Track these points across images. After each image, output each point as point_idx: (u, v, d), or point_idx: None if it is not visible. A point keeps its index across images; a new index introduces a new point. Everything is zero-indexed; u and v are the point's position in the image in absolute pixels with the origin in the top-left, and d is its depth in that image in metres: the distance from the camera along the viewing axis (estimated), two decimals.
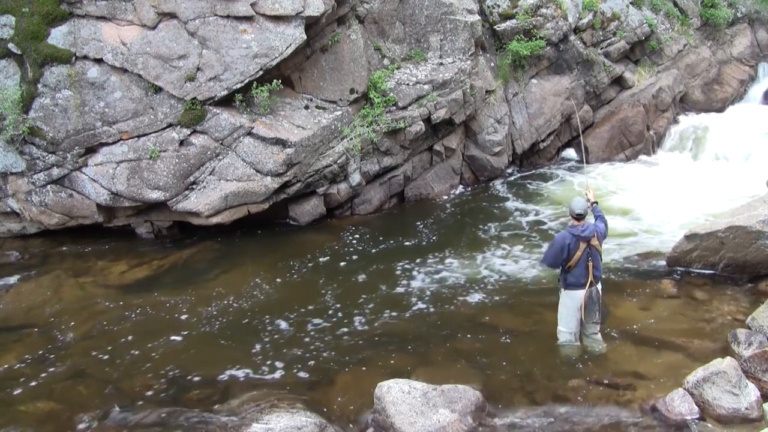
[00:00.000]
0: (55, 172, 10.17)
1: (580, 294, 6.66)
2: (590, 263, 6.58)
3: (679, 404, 5.78)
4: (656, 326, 7.56)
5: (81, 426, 6.19)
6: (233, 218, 10.42)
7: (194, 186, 10.27)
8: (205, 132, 10.23)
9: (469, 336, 7.58)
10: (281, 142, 10.29)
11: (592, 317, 6.73)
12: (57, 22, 9.99)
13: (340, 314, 8.25)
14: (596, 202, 7.13)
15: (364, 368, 6.95)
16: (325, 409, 6.20)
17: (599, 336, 6.95)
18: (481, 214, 11.82)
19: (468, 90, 12.44)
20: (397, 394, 5.78)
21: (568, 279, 6.72)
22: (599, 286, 6.76)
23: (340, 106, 11.41)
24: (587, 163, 14.66)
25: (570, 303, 6.79)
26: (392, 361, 7.05)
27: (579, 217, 6.54)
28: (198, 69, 10.03)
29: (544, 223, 11.17)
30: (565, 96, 14.52)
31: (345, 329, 7.87)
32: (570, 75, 14.63)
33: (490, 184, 13.44)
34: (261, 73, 10.16)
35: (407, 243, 10.53)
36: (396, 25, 12.59)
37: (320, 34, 11.11)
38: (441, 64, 12.50)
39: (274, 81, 10.34)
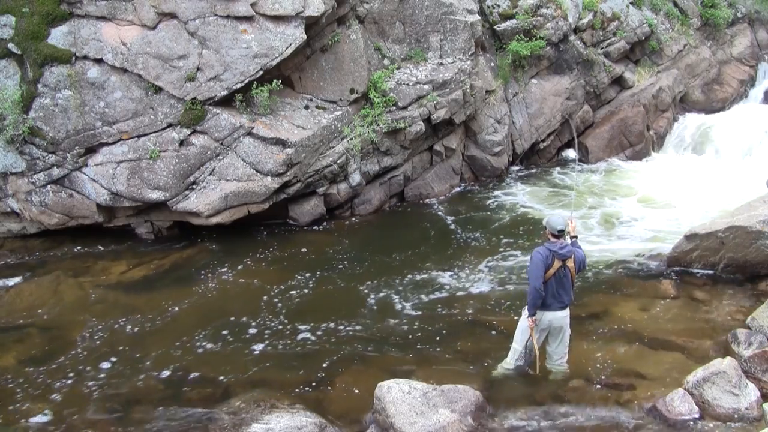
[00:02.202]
0: (55, 172, 10.17)
1: (543, 316, 6.29)
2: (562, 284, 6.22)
3: (679, 404, 5.78)
4: (656, 326, 7.56)
5: (81, 426, 6.19)
6: (233, 218, 10.41)
7: (194, 186, 10.27)
8: (205, 132, 10.23)
9: (469, 336, 7.59)
10: (281, 142, 10.29)
11: (557, 344, 6.47)
12: (57, 22, 9.99)
13: (339, 314, 8.24)
14: (576, 237, 6.67)
15: (364, 368, 6.96)
16: (325, 409, 6.20)
17: (564, 361, 6.61)
18: (480, 214, 11.82)
19: (468, 90, 12.44)
20: (397, 394, 5.78)
21: None
22: (567, 312, 6.39)
23: (340, 106, 11.41)
24: (587, 162, 14.69)
25: (530, 324, 6.35)
26: (392, 361, 7.05)
27: (559, 234, 6.21)
28: (198, 69, 10.03)
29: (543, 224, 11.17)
30: (565, 96, 14.52)
31: (345, 329, 7.87)
32: (570, 75, 14.62)
33: (491, 183, 13.43)
34: (261, 73, 10.15)
35: (407, 243, 10.52)
36: (396, 25, 12.59)
37: (320, 34, 11.11)
38: (441, 64, 12.50)
39: (274, 81, 10.33)
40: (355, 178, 11.48)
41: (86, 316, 8.38)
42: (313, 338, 7.69)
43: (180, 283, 9.28)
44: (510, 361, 6.64)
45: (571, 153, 15.11)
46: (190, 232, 10.87)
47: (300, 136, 10.48)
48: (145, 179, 10.11)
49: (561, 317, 6.38)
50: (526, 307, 6.39)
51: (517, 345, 6.57)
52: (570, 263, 6.24)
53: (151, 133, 10.20)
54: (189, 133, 10.21)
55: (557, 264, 6.17)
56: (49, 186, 10.23)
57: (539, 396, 6.33)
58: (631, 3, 15.78)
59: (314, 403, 6.31)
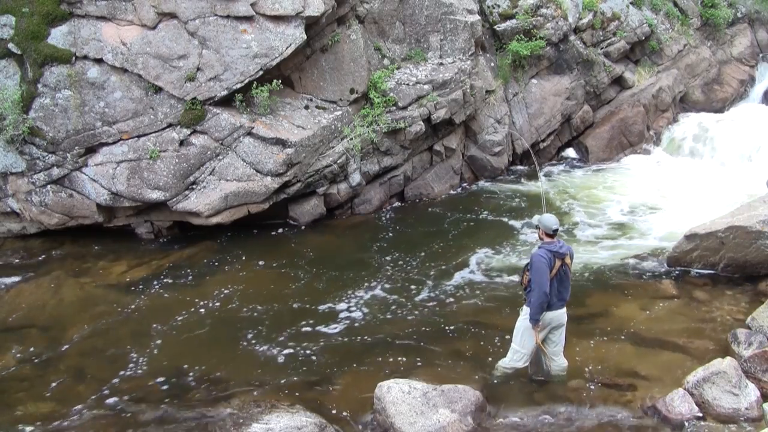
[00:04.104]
0: (55, 172, 10.17)
1: (546, 315, 6.31)
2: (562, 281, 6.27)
3: (679, 404, 5.79)
4: (656, 326, 7.56)
5: (81, 426, 6.19)
6: (233, 218, 10.41)
7: (194, 186, 10.27)
8: (205, 132, 10.23)
9: (469, 336, 7.59)
10: (281, 142, 10.30)
11: (556, 341, 6.49)
12: (57, 22, 9.98)
13: (340, 314, 8.25)
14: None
15: (364, 368, 6.96)
16: (325, 409, 6.21)
17: (562, 358, 6.62)
18: (480, 213, 11.81)
19: (468, 90, 12.43)
20: (397, 394, 5.78)
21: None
22: (565, 308, 6.44)
23: (340, 106, 11.41)
24: (587, 162, 14.70)
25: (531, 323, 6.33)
26: (392, 361, 7.05)
27: (554, 234, 6.25)
28: (198, 69, 10.03)
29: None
30: (565, 96, 14.52)
31: (345, 329, 7.88)
32: (570, 75, 14.62)
33: (491, 183, 13.41)
34: (261, 73, 10.15)
35: (408, 242, 10.53)
36: (396, 25, 12.59)
37: (320, 34, 11.11)
38: (441, 64, 12.50)
39: (274, 81, 10.34)
40: (355, 178, 11.48)
41: (86, 316, 8.39)
42: (314, 339, 7.69)
43: (180, 283, 9.28)
44: (509, 362, 6.64)
45: (571, 153, 15.14)
46: (190, 232, 10.87)
47: (300, 136, 10.48)
48: (145, 179, 10.11)
49: (561, 314, 6.40)
50: (525, 308, 6.37)
51: (517, 346, 6.56)
52: (568, 260, 6.29)
53: (151, 133, 10.20)
54: (189, 133, 10.21)
55: (558, 263, 6.20)
56: (49, 186, 10.23)
57: (539, 396, 6.33)
58: (631, 3, 15.77)
59: (314, 403, 6.31)
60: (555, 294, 6.25)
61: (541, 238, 6.35)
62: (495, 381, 6.59)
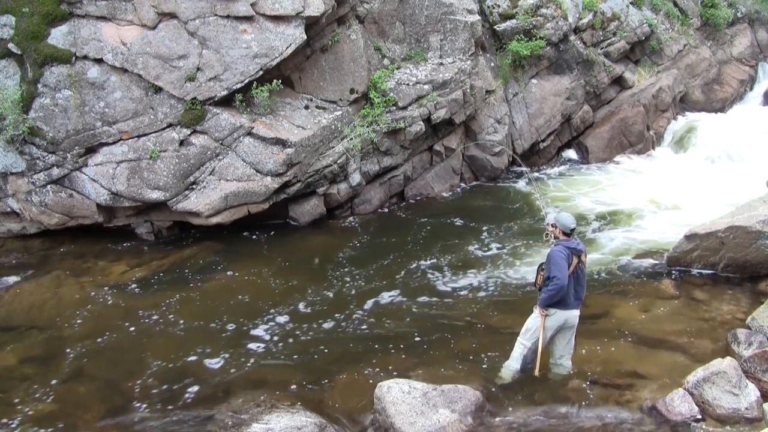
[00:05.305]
0: (55, 172, 10.17)
1: (560, 315, 6.31)
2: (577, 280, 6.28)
3: (679, 404, 5.79)
4: (656, 326, 7.56)
5: (81, 426, 6.19)
6: (233, 218, 10.42)
7: (194, 186, 10.27)
8: (205, 132, 10.23)
9: (469, 336, 7.59)
10: (281, 142, 10.30)
11: (565, 343, 6.49)
12: (57, 22, 9.99)
13: (340, 314, 8.25)
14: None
15: (364, 368, 6.95)
16: (325, 409, 6.20)
17: (569, 362, 6.60)
18: (480, 213, 11.81)
19: (468, 90, 12.43)
20: (397, 394, 5.78)
21: None
22: (578, 312, 6.39)
23: (340, 106, 11.41)
24: (587, 162, 14.70)
25: (545, 322, 6.31)
26: (392, 361, 7.05)
27: (571, 232, 6.28)
28: (198, 69, 10.03)
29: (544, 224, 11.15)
30: (565, 96, 14.52)
31: (345, 329, 7.88)
32: (570, 75, 14.62)
33: (490, 184, 13.41)
34: (261, 73, 10.15)
35: (407, 243, 10.52)
36: (396, 25, 12.59)
37: (320, 34, 11.11)
38: (441, 64, 12.50)
39: (274, 81, 10.34)
40: (355, 178, 11.48)
41: (86, 315, 8.38)
42: (314, 339, 7.69)
43: (180, 283, 9.27)
44: (514, 359, 6.62)
45: (571, 153, 15.14)
46: (191, 232, 10.87)
47: (300, 136, 10.48)
48: (145, 179, 10.11)
49: (575, 315, 6.40)
50: (538, 306, 6.32)
51: (524, 341, 6.53)
52: (584, 258, 6.33)
53: (151, 133, 10.20)
54: (189, 133, 10.21)
55: (575, 261, 6.23)
56: (49, 186, 10.23)
57: (539, 396, 6.32)
58: (631, 3, 15.78)
59: (314, 403, 6.31)
60: (572, 293, 6.26)
61: (556, 237, 6.37)
62: (497, 380, 6.59)
